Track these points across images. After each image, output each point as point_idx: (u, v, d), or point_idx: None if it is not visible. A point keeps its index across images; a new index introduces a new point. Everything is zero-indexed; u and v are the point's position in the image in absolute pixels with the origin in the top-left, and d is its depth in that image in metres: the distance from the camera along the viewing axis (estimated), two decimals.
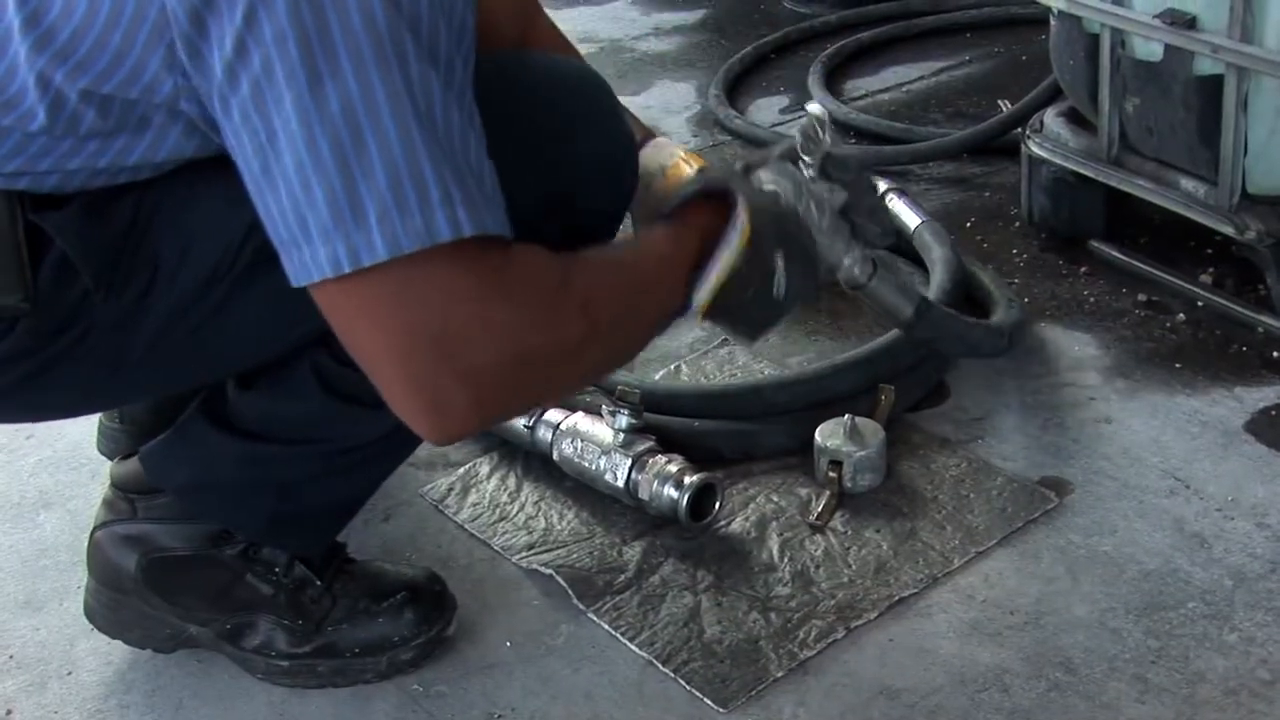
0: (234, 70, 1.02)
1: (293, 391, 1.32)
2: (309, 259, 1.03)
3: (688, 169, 1.45)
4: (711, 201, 1.25)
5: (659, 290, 1.22)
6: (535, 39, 1.48)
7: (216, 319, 1.22)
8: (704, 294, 1.23)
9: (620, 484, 1.58)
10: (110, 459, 1.67)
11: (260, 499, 1.37)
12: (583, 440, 1.62)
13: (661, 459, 1.58)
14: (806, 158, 1.32)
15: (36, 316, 1.17)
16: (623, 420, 1.59)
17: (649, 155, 1.46)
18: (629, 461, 1.58)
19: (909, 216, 1.99)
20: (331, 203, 1.01)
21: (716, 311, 1.25)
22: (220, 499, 1.39)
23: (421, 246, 1.02)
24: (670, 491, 1.55)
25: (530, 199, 1.13)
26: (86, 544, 1.44)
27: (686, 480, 1.55)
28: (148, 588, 1.42)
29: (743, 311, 1.27)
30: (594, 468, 1.61)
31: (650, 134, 1.50)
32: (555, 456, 1.65)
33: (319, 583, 1.42)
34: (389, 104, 1.01)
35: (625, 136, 1.32)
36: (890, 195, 2.04)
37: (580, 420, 1.64)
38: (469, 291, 1.05)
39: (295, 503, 1.37)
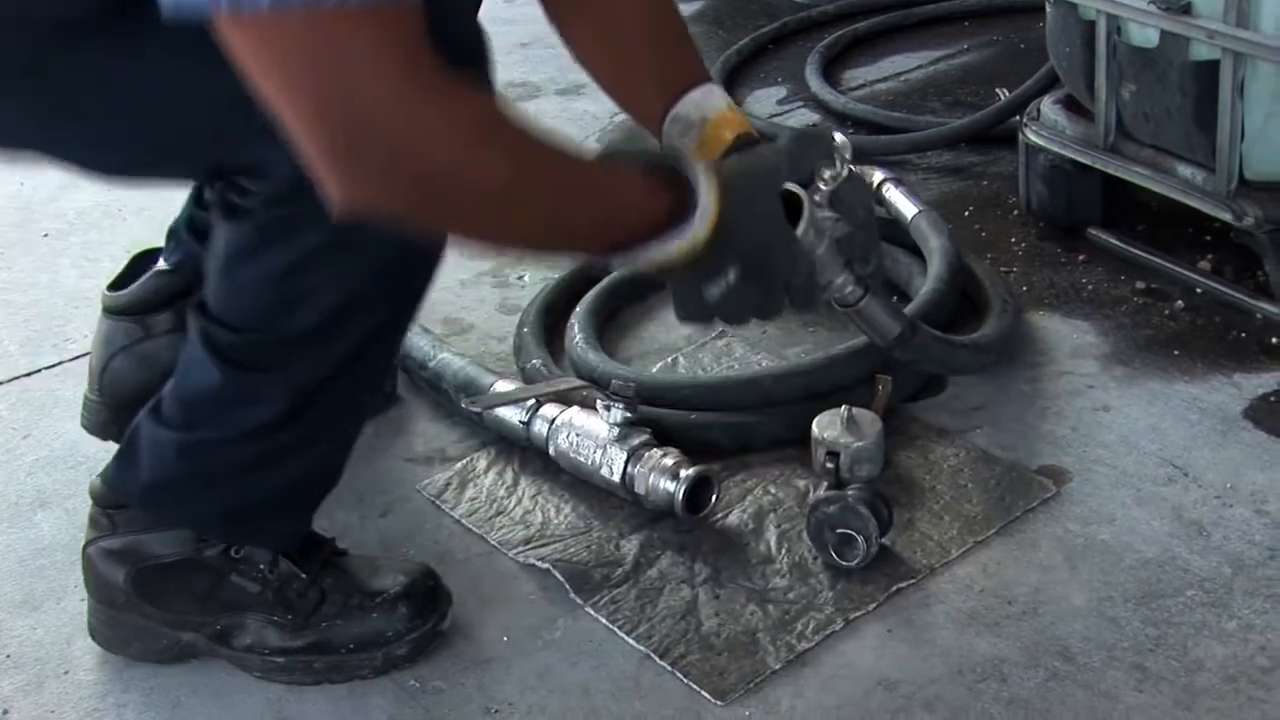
0: None
1: (193, 364, 1.32)
2: None
3: (726, 135, 1.40)
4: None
5: (592, 214, 1.17)
6: None
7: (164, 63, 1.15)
8: (625, 266, 1.22)
9: (616, 478, 1.58)
10: (91, 433, 1.69)
11: (210, 494, 1.38)
12: (578, 434, 1.62)
13: (657, 452, 1.57)
14: (821, 184, 1.34)
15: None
16: (618, 414, 1.59)
17: (694, 101, 1.41)
18: (625, 455, 1.58)
19: (906, 206, 1.98)
20: None
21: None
22: (174, 499, 1.39)
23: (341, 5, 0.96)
24: (666, 484, 1.55)
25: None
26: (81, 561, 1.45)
27: (682, 473, 1.55)
28: (139, 598, 1.42)
29: (668, 283, 1.26)
30: (590, 462, 1.60)
31: (703, 76, 1.45)
32: (551, 451, 1.65)
33: (303, 576, 1.42)
34: None
35: None
36: (887, 185, 2.04)
37: (576, 414, 1.64)
38: (392, 70, 1.00)
39: (241, 494, 1.37)
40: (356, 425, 1.43)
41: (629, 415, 1.60)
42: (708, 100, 1.42)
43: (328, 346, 1.30)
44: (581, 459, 1.61)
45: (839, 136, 1.39)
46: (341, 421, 1.39)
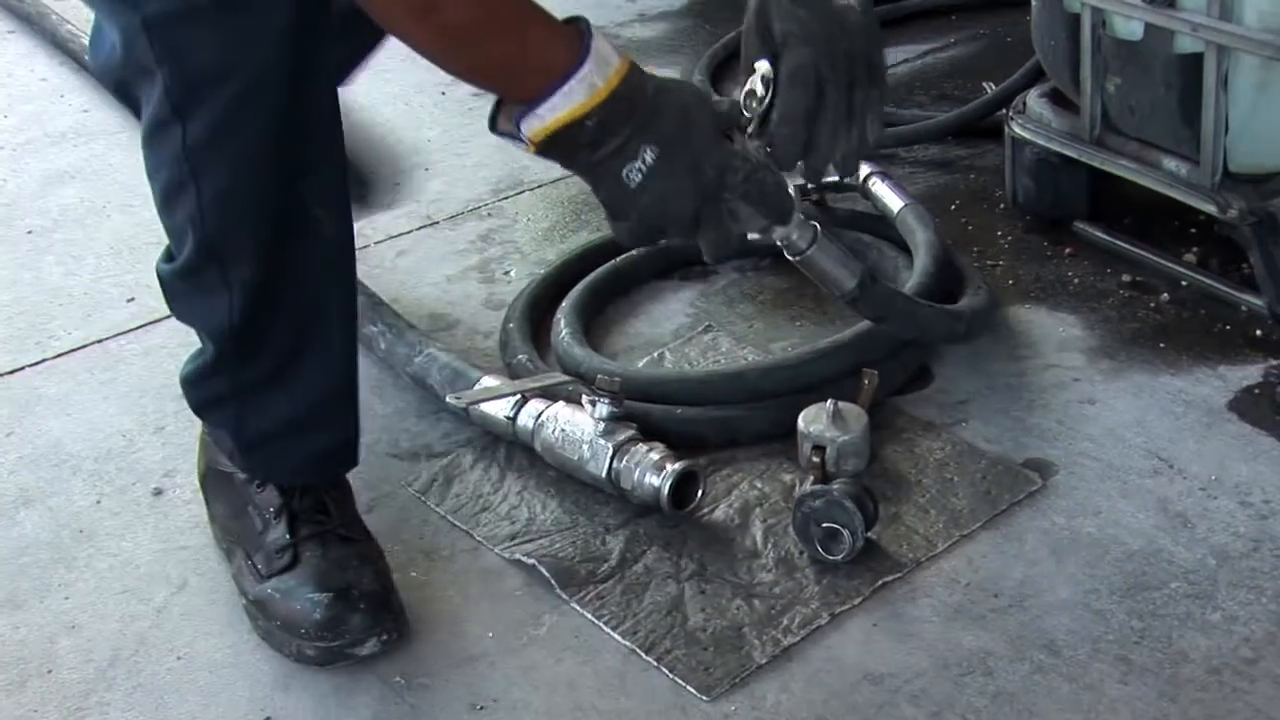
0: None
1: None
2: None
3: None
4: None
5: (507, 42, 1.22)
6: None
7: None
8: (535, 124, 1.21)
9: (602, 473, 1.58)
10: None
11: (221, 412, 1.48)
12: (564, 429, 1.61)
13: (643, 447, 1.57)
14: (746, 113, 1.29)
15: None
16: (603, 409, 1.59)
17: None
18: (610, 450, 1.57)
19: (892, 200, 1.98)
20: None
21: (552, 153, 1.24)
22: (205, 414, 1.52)
23: None
24: (652, 480, 1.55)
25: None
26: None
27: (668, 468, 1.55)
28: (205, 497, 1.57)
29: (590, 176, 1.25)
30: (576, 457, 1.60)
31: None
32: (538, 446, 1.64)
33: (288, 537, 1.45)
34: None
35: None
36: (874, 178, 2.03)
37: (561, 410, 1.63)
38: None
39: (239, 418, 1.46)
40: (332, 341, 1.44)
41: (615, 410, 1.59)
42: None
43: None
44: (567, 454, 1.61)
45: (762, 65, 1.32)
46: (308, 331, 1.42)
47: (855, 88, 1.32)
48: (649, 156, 1.23)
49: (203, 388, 1.47)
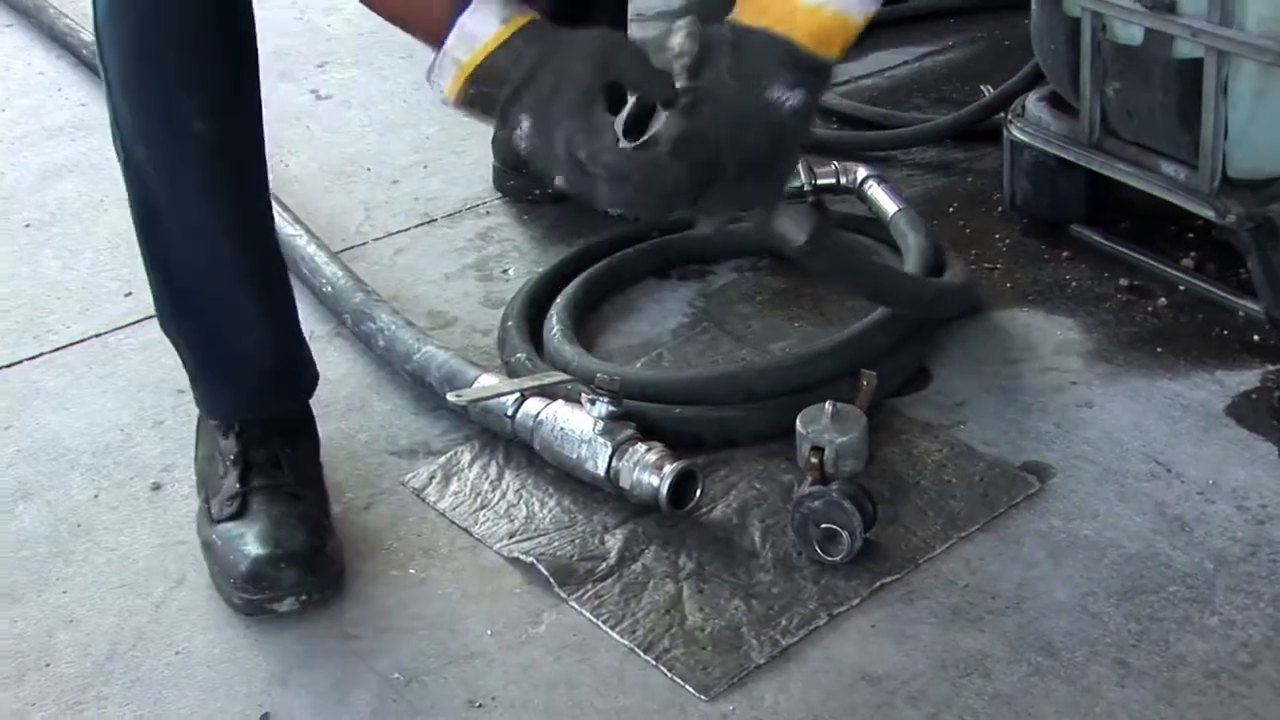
0: None
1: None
2: None
3: None
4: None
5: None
6: None
7: None
8: (446, 78, 1.23)
9: (601, 472, 1.58)
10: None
11: (179, 343, 1.57)
12: (562, 428, 1.62)
13: (641, 447, 1.57)
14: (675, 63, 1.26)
15: None
16: (602, 408, 1.59)
17: None
18: (609, 450, 1.58)
19: (887, 204, 1.99)
20: None
21: (474, 106, 1.24)
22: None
23: None
24: (650, 479, 1.55)
25: None
26: None
27: (666, 468, 1.55)
28: (195, 442, 1.63)
29: (502, 116, 1.24)
30: (574, 456, 1.60)
31: None
32: (536, 444, 1.65)
33: (238, 486, 1.51)
34: None
35: None
36: (870, 182, 2.04)
37: (560, 408, 1.64)
38: None
39: (181, 350, 1.57)
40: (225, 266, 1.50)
41: (614, 409, 1.60)
42: None
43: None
44: (566, 452, 1.61)
45: (681, 23, 1.28)
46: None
47: (747, 180, 1.29)
48: (525, 125, 1.23)
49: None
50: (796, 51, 1.27)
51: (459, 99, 1.24)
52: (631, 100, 1.26)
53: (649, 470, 1.55)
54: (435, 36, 1.23)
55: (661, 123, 1.25)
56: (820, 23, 1.27)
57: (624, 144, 1.23)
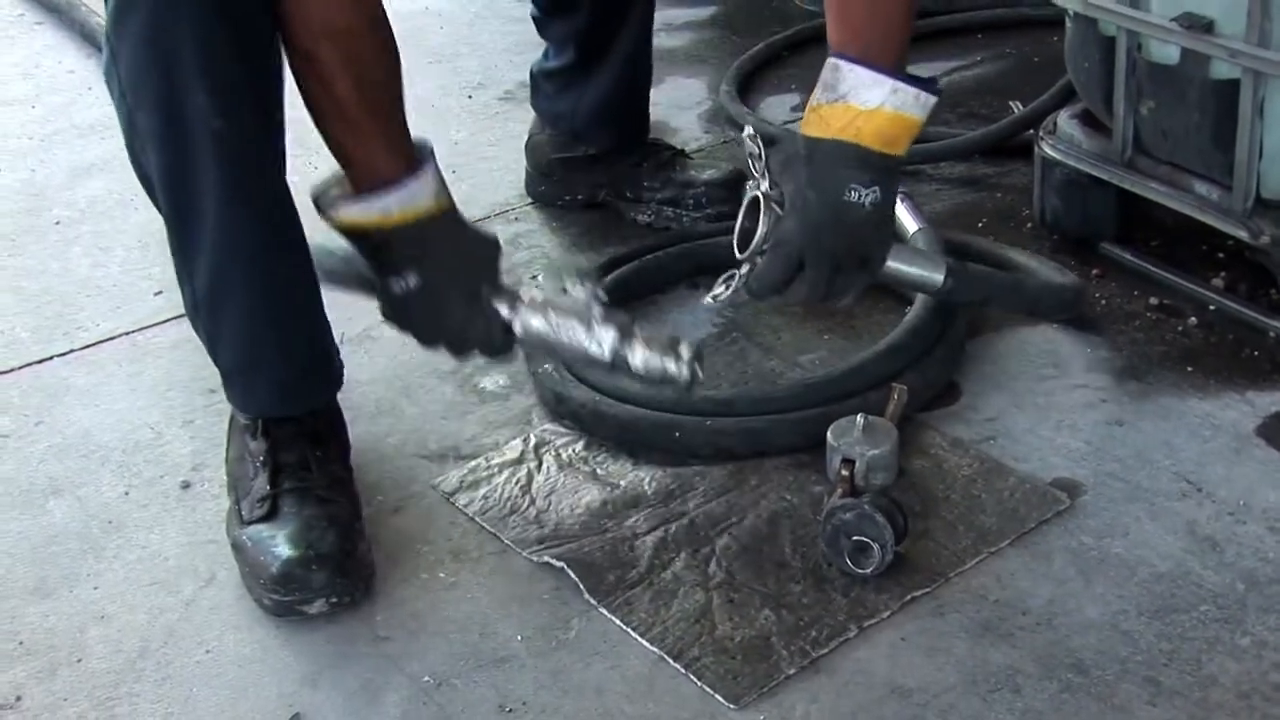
0: None
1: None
2: None
3: None
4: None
5: (341, 130, 1.47)
6: None
7: None
8: (339, 210, 1.47)
9: (605, 353, 1.50)
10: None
11: (209, 343, 1.59)
12: (555, 312, 1.52)
13: (645, 329, 1.51)
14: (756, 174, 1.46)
15: None
16: (591, 291, 1.52)
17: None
18: (614, 332, 1.50)
19: (908, 221, 1.99)
20: None
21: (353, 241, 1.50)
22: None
23: None
24: (665, 359, 1.48)
25: None
26: None
27: (681, 348, 1.49)
28: (227, 441, 1.65)
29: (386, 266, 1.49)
30: (571, 340, 1.51)
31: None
32: (519, 331, 1.54)
33: (269, 488, 1.52)
34: None
35: None
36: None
37: (543, 294, 1.55)
38: None
39: (210, 344, 1.58)
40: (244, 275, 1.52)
41: (602, 295, 1.52)
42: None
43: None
44: (563, 338, 1.52)
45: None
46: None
47: (840, 273, 1.48)
48: (411, 282, 1.48)
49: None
50: (866, 153, 1.43)
51: (345, 229, 1.48)
52: None
53: (661, 349, 1.49)
54: (366, 178, 1.46)
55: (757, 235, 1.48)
56: (881, 123, 1.43)
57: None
